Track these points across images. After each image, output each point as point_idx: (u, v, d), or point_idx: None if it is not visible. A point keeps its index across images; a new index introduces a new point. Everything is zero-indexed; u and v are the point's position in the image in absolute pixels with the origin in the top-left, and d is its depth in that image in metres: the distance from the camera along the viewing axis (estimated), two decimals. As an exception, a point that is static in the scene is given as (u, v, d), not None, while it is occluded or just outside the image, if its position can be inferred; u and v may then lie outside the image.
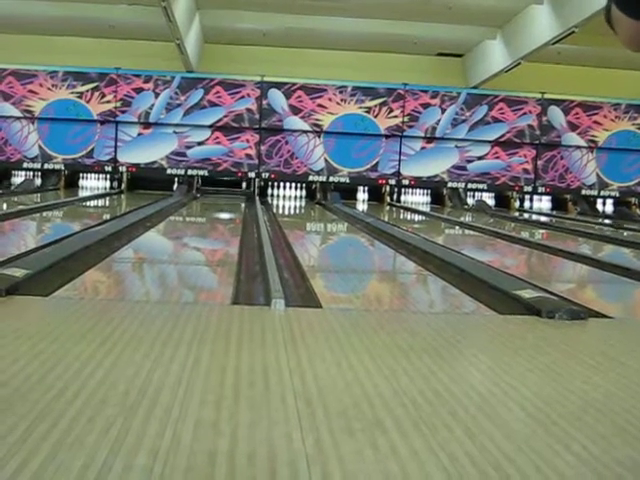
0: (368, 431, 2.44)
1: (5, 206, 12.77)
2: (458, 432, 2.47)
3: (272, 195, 18.27)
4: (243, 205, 15.76)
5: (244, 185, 18.38)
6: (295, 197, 18.43)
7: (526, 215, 17.47)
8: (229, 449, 2.22)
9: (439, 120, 18.30)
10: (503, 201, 19.09)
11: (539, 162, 18.88)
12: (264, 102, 17.96)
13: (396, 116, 18.01)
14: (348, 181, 18.20)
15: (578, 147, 18.90)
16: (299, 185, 18.56)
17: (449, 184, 18.57)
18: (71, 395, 2.63)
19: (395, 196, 18.59)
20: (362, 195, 18.54)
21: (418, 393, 2.89)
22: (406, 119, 18.13)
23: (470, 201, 18.83)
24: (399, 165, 18.20)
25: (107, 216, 12.15)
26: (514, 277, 6.21)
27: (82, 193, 16.92)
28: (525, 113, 18.65)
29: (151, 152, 17.84)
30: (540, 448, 2.35)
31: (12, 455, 2.08)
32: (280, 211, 15.58)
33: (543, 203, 19.48)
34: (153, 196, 15.75)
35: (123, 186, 17.90)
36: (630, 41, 1.88)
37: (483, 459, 2.23)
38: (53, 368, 2.96)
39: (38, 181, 17.77)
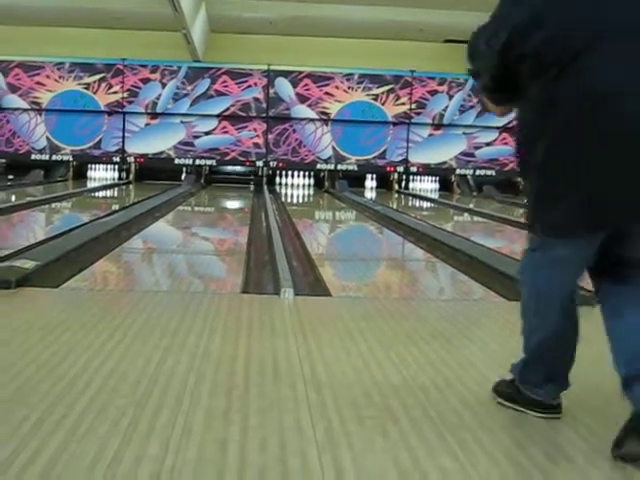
0: (378, 419, 2.44)
1: (14, 198, 12.80)
2: (468, 419, 2.47)
3: (280, 184, 18.25)
4: (251, 194, 15.76)
5: (252, 174, 18.35)
6: (303, 185, 18.41)
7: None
8: (240, 438, 2.23)
9: (447, 107, 18.22)
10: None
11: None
12: (271, 91, 17.92)
13: (403, 103, 17.95)
14: (356, 169, 18.16)
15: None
16: (307, 173, 18.53)
17: (457, 171, 18.51)
18: (82, 385, 2.65)
19: (403, 183, 18.53)
20: (370, 183, 18.48)
21: (428, 380, 2.89)
22: (414, 106, 18.05)
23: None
24: (407, 152, 18.15)
25: (116, 207, 12.16)
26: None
27: (90, 184, 16.92)
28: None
29: (159, 142, 17.82)
30: (550, 434, 2.36)
31: (25, 445, 2.10)
32: (288, 200, 15.57)
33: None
34: (161, 186, 15.76)
35: (131, 177, 17.89)
36: (498, 114, 2.73)
37: (493, 446, 2.24)
38: (64, 359, 2.97)
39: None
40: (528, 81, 2.37)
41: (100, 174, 18.17)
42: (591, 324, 2.53)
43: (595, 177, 2.26)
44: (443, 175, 18.78)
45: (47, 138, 17.71)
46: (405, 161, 18.23)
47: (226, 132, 17.91)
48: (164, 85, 17.71)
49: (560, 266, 2.47)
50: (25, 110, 17.67)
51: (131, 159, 17.85)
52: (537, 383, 2.53)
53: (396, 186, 18.37)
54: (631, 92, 2.22)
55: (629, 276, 2.41)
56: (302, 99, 17.96)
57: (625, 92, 2.22)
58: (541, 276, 2.55)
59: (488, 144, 18.46)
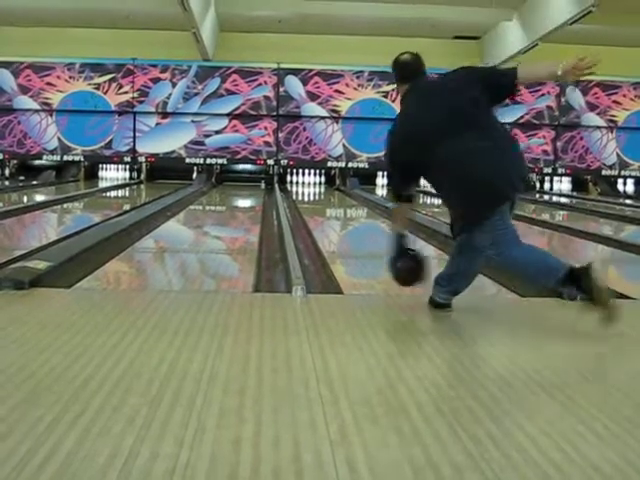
0: (391, 416, 2.45)
1: (26, 199, 12.85)
2: (481, 415, 2.47)
3: (291, 182, 18.25)
4: (263, 192, 15.77)
5: (263, 172, 18.35)
6: (314, 183, 18.41)
7: (546, 196, 17.37)
8: (253, 436, 2.23)
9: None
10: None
11: (558, 143, 18.77)
12: (281, 89, 17.94)
13: (414, 100, 17.89)
14: (367, 166, 18.17)
15: (598, 127, 18.78)
16: (318, 171, 18.54)
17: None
18: (96, 385, 2.66)
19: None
20: (381, 180, 18.46)
21: (441, 377, 2.89)
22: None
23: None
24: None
25: (127, 206, 12.18)
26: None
27: (102, 184, 16.96)
28: (543, 94, 18.55)
29: (170, 142, 17.87)
30: (563, 429, 2.35)
31: (40, 444, 2.11)
32: (299, 198, 15.57)
33: (563, 184, 19.33)
34: (172, 185, 15.78)
35: (142, 176, 17.94)
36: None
37: (506, 441, 2.24)
38: (77, 359, 2.99)
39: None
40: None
41: (111, 174, 18.23)
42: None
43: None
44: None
45: (58, 139, 17.77)
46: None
47: (237, 131, 17.95)
48: (174, 84, 17.76)
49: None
50: (36, 111, 17.74)
51: (142, 159, 17.89)
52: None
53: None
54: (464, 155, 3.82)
55: None
56: (312, 97, 17.98)
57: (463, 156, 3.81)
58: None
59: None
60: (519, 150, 4.12)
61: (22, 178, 17.05)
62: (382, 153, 17.85)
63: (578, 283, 3.71)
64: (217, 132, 17.91)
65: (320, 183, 18.38)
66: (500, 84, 4.05)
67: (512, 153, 3.98)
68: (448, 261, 4.24)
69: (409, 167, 4.04)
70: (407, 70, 4.24)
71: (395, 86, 4.39)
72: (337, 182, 18.04)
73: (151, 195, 13.84)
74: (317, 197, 16.50)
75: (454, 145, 3.82)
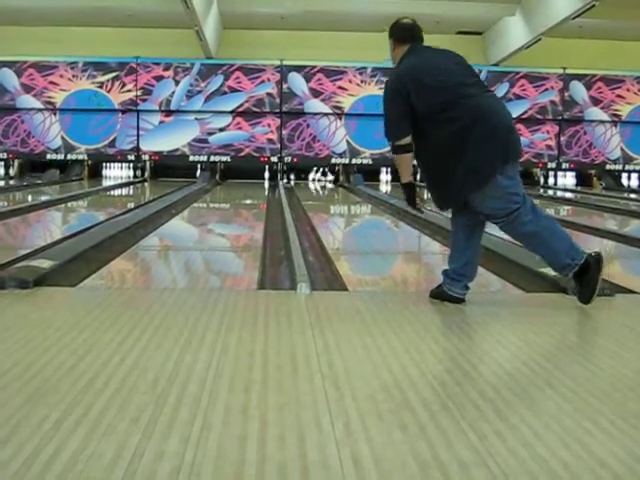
0: (396, 413, 2.44)
1: (30, 197, 12.86)
2: (487, 411, 2.47)
3: (295, 178, 18.24)
4: (267, 189, 15.78)
5: (267, 169, 18.33)
6: (318, 180, 18.41)
7: (550, 191, 17.34)
8: (259, 433, 2.23)
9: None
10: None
11: (562, 138, 18.74)
12: (284, 86, 17.93)
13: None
14: (371, 162, 18.15)
15: (601, 122, 18.74)
16: (323, 169, 18.53)
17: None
18: (101, 384, 2.66)
19: (418, 176, 18.42)
20: (385, 176, 18.45)
21: (446, 373, 2.89)
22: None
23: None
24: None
25: (131, 205, 12.20)
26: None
27: (106, 183, 16.97)
28: (547, 89, 18.50)
29: (173, 139, 17.86)
30: (569, 425, 2.35)
31: (46, 443, 2.11)
32: (303, 194, 15.56)
33: (567, 179, 19.29)
34: (176, 183, 15.79)
35: (146, 174, 17.94)
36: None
37: (512, 437, 2.24)
38: (82, 357, 2.99)
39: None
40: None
41: (115, 172, 18.23)
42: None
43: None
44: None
45: (62, 137, 17.77)
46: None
47: (240, 128, 17.94)
48: (177, 82, 17.75)
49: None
50: (39, 110, 17.74)
51: (146, 157, 17.89)
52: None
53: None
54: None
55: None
56: (315, 94, 17.97)
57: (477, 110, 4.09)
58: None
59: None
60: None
61: (34, 175, 17.14)
62: (386, 149, 17.95)
63: (584, 270, 3.98)
64: (221, 129, 17.90)
65: (325, 180, 18.37)
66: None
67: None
68: (454, 251, 4.34)
69: (407, 115, 4.14)
70: (409, 32, 4.42)
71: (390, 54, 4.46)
72: (341, 178, 18.04)
73: (155, 193, 13.85)
74: (321, 194, 16.49)
75: (463, 98, 4.06)
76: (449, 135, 4.05)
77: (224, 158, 17.96)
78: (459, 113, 4.04)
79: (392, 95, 4.21)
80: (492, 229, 4.54)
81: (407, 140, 4.17)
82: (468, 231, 4.29)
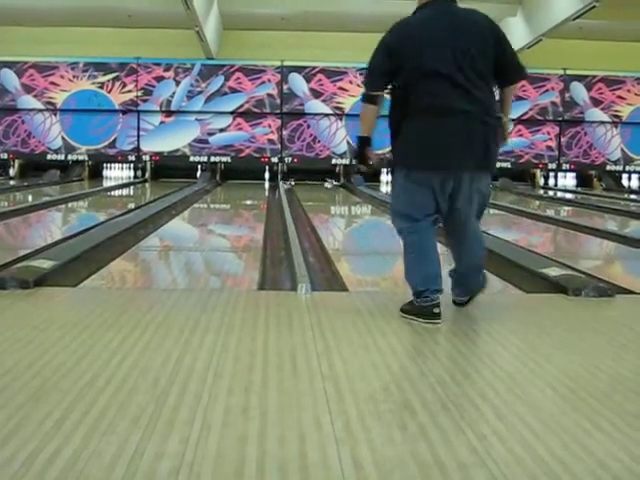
0: (397, 413, 2.45)
1: (31, 198, 12.86)
2: (487, 412, 2.47)
3: (295, 179, 18.23)
4: (267, 190, 15.77)
5: (267, 170, 18.32)
6: (318, 180, 18.40)
7: (551, 192, 17.34)
8: (259, 434, 2.23)
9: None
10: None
11: (563, 139, 18.74)
12: (285, 87, 17.94)
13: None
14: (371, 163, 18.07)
15: (602, 122, 18.73)
16: (321, 169, 18.52)
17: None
18: (102, 383, 2.66)
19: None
20: (386, 177, 18.41)
21: (446, 374, 2.89)
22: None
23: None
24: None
25: (132, 205, 12.20)
26: (540, 255, 6.18)
27: (106, 183, 16.97)
28: (547, 90, 18.50)
29: (174, 140, 17.88)
30: (569, 426, 2.35)
31: (47, 442, 2.12)
32: (304, 195, 15.55)
33: (568, 180, 19.29)
34: (177, 184, 15.79)
35: (147, 175, 17.95)
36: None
37: (512, 438, 2.24)
38: (83, 357, 2.99)
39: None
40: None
41: (116, 173, 18.24)
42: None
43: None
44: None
45: (62, 138, 17.78)
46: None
47: (240, 129, 17.94)
48: (178, 83, 17.76)
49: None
50: (40, 110, 17.76)
51: (146, 157, 17.90)
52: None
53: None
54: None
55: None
56: (316, 94, 17.98)
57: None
58: None
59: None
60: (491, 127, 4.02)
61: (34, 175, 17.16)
62: (387, 150, 17.92)
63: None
64: (221, 130, 17.91)
65: (323, 180, 18.37)
66: (505, 71, 4.14)
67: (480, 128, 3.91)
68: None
69: (385, 72, 4.06)
70: None
71: None
72: (342, 179, 18.03)
73: (155, 193, 13.85)
74: (321, 194, 16.48)
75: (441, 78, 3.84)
76: (403, 111, 4.01)
77: (224, 159, 17.97)
78: (412, 100, 3.95)
79: (379, 45, 4.17)
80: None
81: (378, 93, 4.08)
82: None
